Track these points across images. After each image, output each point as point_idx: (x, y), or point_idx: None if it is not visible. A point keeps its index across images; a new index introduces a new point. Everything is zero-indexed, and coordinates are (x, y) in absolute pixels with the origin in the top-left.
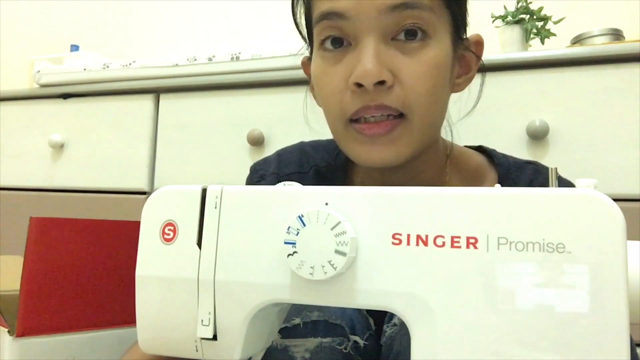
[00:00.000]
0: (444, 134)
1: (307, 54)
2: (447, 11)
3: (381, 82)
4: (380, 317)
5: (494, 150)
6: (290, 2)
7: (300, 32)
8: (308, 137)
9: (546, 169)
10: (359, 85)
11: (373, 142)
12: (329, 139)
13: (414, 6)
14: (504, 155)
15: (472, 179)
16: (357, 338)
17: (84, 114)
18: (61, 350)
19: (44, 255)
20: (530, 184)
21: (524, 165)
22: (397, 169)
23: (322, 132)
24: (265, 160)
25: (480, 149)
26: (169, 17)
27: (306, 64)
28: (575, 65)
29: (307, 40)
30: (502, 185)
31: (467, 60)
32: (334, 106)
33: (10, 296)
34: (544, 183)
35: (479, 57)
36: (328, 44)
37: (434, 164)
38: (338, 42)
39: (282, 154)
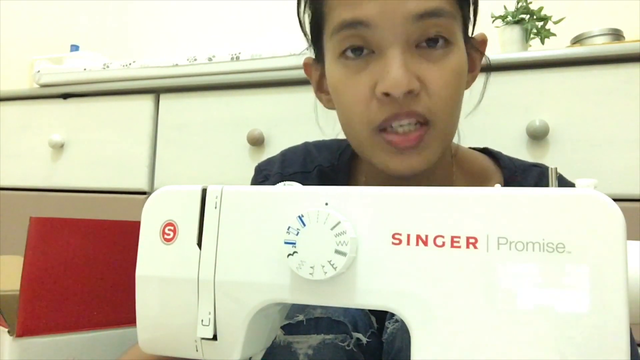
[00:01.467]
0: None
1: (307, 54)
2: (460, 13)
3: (410, 91)
4: (382, 315)
5: (500, 153)
6: (290, 3)
7: (304, 31)
8: (308, 137)
9: (563, 181)
10: (387, 94)
11: (403, 153)
12: (332, 139)
13: (439, 14)
14: (510, 158)
15: (478, 181)
16: (359, 335)
17: (84, 114)
18: (61, 350)
19: (44, 255)
20: (536, 186)
21: (530, 168)
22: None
23: (328, 132)
24: (270, 161)
25: (485, 150)
26: (169, 17)
27: (309, 65)
28: (575, 65)
29: (312, 44)
30: None
31: (472, 59)
32: (359, 115)
33: (10, 296)
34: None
35: (483, 54)
36: (349, 52)
37: (442, 165)
38: (359, 50)
39: (286, 154)
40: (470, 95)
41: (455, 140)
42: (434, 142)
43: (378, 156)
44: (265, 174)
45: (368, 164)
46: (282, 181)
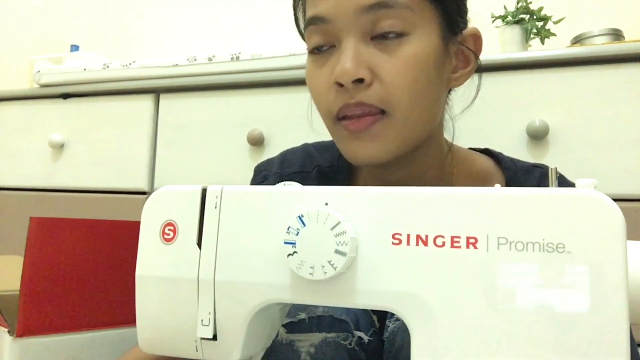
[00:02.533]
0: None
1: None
2: (433, 7)
3: (360, 80)
4: (384, 314)
5: (501, 154)
6: (290, 3)
7: (303, 38)
8: (308, 137)
9: (563, 181)
10: (340, 84)
11: (358, 138)
12: (332, 141)
13: (389, 5)
14: (511, 159)
15: (478, 182)
16: (361, 334)
17: (84, 114)
18: (61, 350)
19: (44, 255)
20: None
21: (532, 169)
22: (395, 167)
23: (324, 133)
24: (269, 161)
25: (486, 151)
26: (169, 17)
27: None
28: (575, 65)
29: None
30: None
31: (465, 55)
32: (322, 105)
33: (10, 296)
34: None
35: (477, 49)
36: (315, 50)
37: (435, 163)
38: (324, 46)
39: (285, 155)
40: (470, 94)
41: (448, 138)
42: (391, 130)
43: (341, 144)
44: (265, 174)
45: (365, 171)
46: (282, 181)
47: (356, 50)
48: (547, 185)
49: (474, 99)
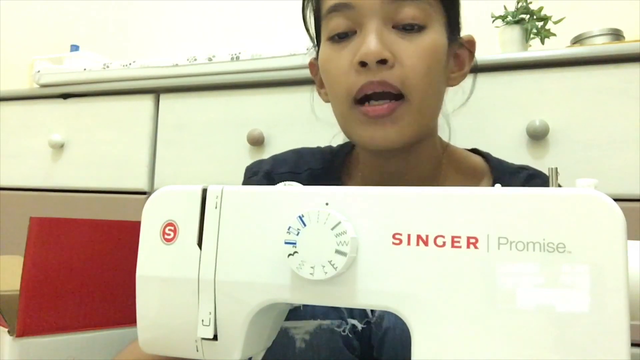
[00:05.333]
0: (441, 133)
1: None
2: (442, 9)
3: (383, 61)
4: None
5: (489, 154)
6: (290, 3)
7: (309, 34)
8: (308, 137)
9: (540, 172)
10: (363, 64)
11: (376, 123)
12: (326, 146)
13: None
14: (499, 160)
15: (468, 179)
16: (355, 321)
17: (84, 114)
18: (61, 350)
19: (44, 255)
20: None
21: (517, 171)
22: (397, 158)
23: (331, 121)
24: (260, 161)
25: (475, 151)
26: (169, 17)
27: (313, 64)
28: (575, 65)
29: (315, 40)
30: None
31: (461, 58)
32: (340, 87)
33: (10, 296)
34: (540, 186)
35: (472, 53)
36: (336, 37)
37: (429, 159)
38: (344, 35)
39: (277, 156)
40: (459, 99)
41: (445, 138)
42: (409, 115)
43: (356, 130)
44: (254, 171)
45: (363, 163)
46: (270, 179)
47: (380, 33)
48: (534, 186)
49: (469, 95)
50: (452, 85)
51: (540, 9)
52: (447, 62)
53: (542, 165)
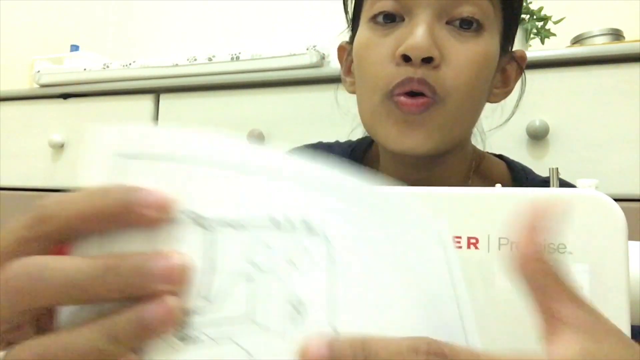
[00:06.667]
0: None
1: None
2: (501, 14)
3: (428, 59)
4: None
5: (514, 162)
6: (290, 3)
7: (346, 11)
8: (308, 137)
9: (567, 183)
10: (407, 58)
11: (406, 121)
12: (345, 141)
13: None
14: (524, 169)
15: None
16: None
17: (84, 114)
18: None
19: None
20: None
21: (541, 184)
22: (421, 167)
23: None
24: None
25: (501, 157)
26: (169, 17)
27: (343, 48)
28: (575, 65)
29: (350, 24)
30: None
31: (507, 73)
32: (375, 76)
33: None
34: None
35: (521, 71)
36: (380, 18)
37: (455, 173)
38: (390, 18)
39: (293, 150)
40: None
41: (480, 147)
42: (441, 119)
43: (384, 126)
44: None
45: (383, 166)
46: None
47: (431, 27)
48: None
49: (507, 120)
50: (492, 102)
51: (540, 9)
52: (493, 75)
53: (542, 165)
